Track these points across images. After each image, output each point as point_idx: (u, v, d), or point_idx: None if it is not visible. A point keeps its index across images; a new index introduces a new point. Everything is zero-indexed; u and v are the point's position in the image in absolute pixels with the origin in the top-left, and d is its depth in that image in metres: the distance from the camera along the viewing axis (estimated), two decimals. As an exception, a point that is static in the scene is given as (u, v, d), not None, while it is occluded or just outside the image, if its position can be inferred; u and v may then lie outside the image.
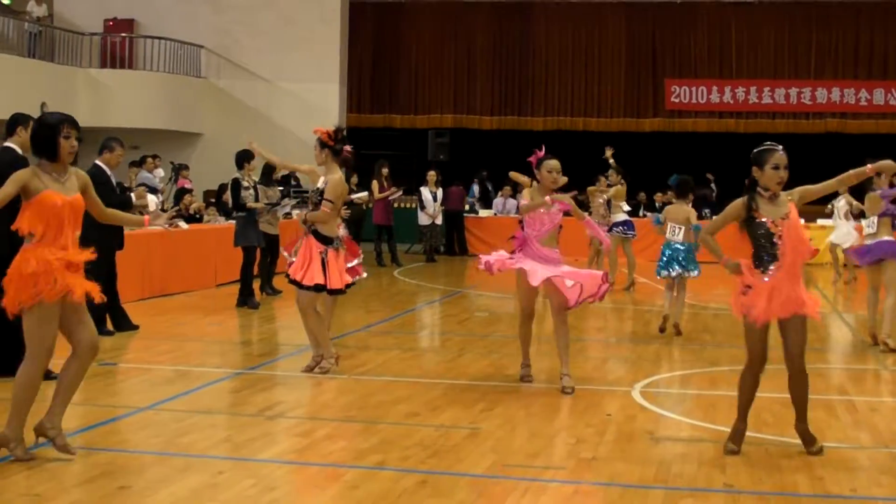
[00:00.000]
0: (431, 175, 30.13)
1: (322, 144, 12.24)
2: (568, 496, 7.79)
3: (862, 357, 14.54)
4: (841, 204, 24.09)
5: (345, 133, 12.63)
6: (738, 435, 9.19)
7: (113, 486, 7.80)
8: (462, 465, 8.68)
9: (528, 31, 37.57)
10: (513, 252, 11.56)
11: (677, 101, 36.94)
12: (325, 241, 12.16)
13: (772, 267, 8.89)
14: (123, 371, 12.78)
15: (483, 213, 32.77)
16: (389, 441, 9.37)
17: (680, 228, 15.57)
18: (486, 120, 37.55)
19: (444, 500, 7.69)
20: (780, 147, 9.32)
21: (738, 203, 9.21)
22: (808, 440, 9.13)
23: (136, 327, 15.38)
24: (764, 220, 9.04)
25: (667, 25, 37.02)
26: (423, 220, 29.83)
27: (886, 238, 14.31)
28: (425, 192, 29.65)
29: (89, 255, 8.45)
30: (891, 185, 14.44)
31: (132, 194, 16.88)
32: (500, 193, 32.95)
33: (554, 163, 11.74)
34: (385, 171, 27.50)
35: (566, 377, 11.57)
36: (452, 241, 31.53)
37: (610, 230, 21.13)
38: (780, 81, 36.51)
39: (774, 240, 8.95)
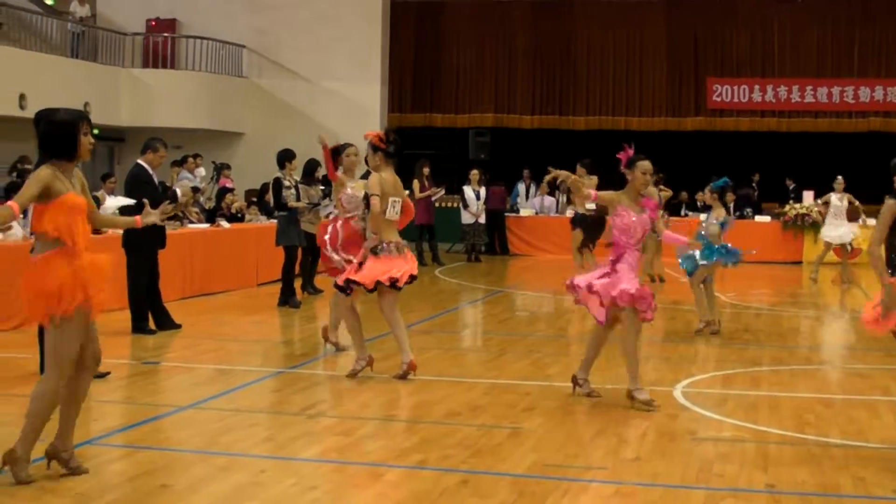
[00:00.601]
0: (475, 174, 30.11)
1: (374, 148, 12.07)
2: (608, 496, 7.78)
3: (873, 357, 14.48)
4: (835, 201, 24.06)
5: (396, 135, 12.36)
6: None
7: (155, 485, 7.83)
8: (503, 465, 8.68)
9: (569, 30, 37.48)
10: (612, 264, 11.02)
11: (719, 99, 36.79)
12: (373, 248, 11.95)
13: None
14: (165, 370, 12.82)
15: (524, 212, 32.67)
16: (430, 440, 9.38)
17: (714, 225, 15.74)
18: (526, 119, 37.49)
19: (484, 499, 7.69)
20: None
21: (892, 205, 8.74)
22: None
23: (178, 326, 15.43)
24: None
25: (708, 23, 36.87)
26: (467, 218, 29.82)
27: None
28: (468, 190, 29.64)
29: (108, 258, 8.12)
30: None
31: (178, 189, 16.93)
32: (538, 192, 32.87)
33: (647, 164, 11.01)
34: (426, 170, 27.48)
35: (638, 391, 10.87)
36: (494, 240, 31.50)
37: None
38: (822, 80, 36.30)
39: None
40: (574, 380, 11.27)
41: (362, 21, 34.28)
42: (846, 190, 24.05)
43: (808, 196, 28.91)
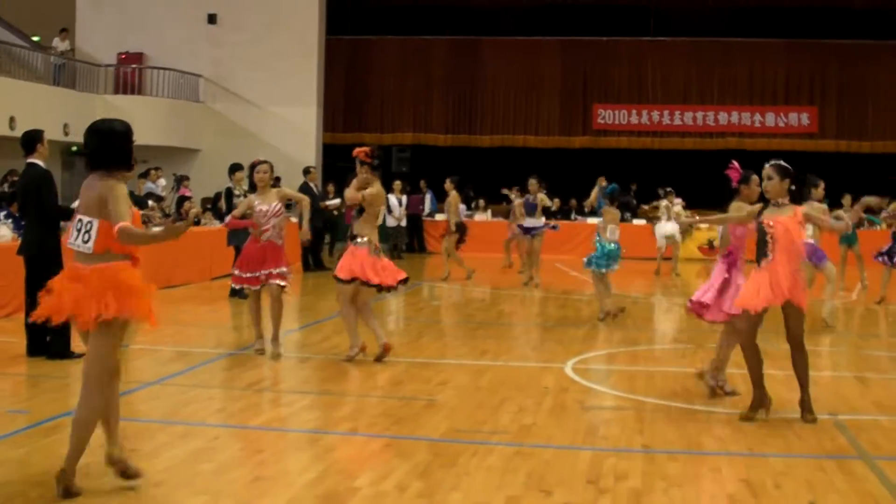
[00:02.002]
0: (397, 184, 30.31)
1: (361, 163, 11.94)
2: (511, 456, 7.78)
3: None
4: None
5: (379, 150, 12.27)
6: (758, 402, 9.24)
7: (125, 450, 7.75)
8: (421, 431, 8.66)
9: (478, 64, 37.60)
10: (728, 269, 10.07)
11: (603, 122, 37.02)
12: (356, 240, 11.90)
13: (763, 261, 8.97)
14: (133, 352, 12.68)
15: (439, 217, 32.70)
16: (359, 410, 9.37)
17: (615, 229, 15.56)
18: (441, 138, 37.50)
19: (406, 460, 7.67)
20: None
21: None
22: (806, 409, 9.22)
23: (144, 314, 15.27)
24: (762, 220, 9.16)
25: (595, 59, 37.11)
26: (390, 222, 29.88)
27: None
28: (392, 198, 29.59)
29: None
30: None
31: (150, 202, 16.79)
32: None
33: (757, 178, 10.06)
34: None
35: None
36: (413, 240, 31.68)
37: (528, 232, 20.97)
38: (688, 106, 36.70)
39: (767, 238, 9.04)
40: (712, 389, 10.20)
41: (302, 55, 34.26)
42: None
43: (677, 202, 29.18)
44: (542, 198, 20.83)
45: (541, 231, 20.93)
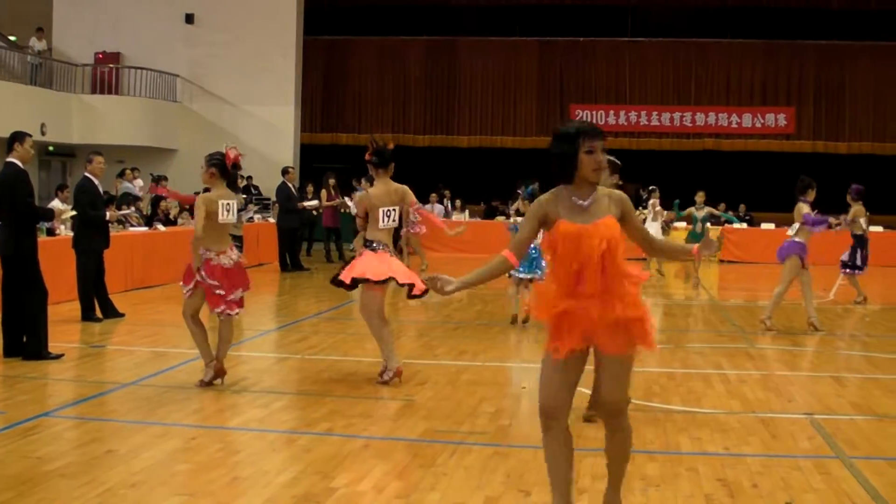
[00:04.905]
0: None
1: (367, 164, 11.30)
2: (489, 456, 7.79)
3: (734, 338, 14.64)
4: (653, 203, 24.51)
5: (378, 144, 10.98)
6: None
7: (101, 450, 7.74)
8: (399, 431, 8.66)
9: (455, 64, 37.68)
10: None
11: (580, 122, 37.11)
12: (366, 244, 10.82)
13: None
14: (110, 352, 12.68)
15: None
16: (337, 411, 9.35)
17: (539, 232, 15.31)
18: (419, 138, 37.51)
19: (383, 460, 7.68)
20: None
21: None
22: None
23: (121, 315, 15.27)
24: None
25: (572, 59, 37.22)
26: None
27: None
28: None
29: None
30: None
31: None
32: (429, 200, 32.86)
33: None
34: (332, 181, 27.35)
35: None
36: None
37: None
38: (665, 107, 36.83)
39: None
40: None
41: (279, 55, 34.24)
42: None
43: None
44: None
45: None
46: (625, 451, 6.20)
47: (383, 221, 10.63)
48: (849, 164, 34.25)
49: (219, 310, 10.45)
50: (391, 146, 11.03)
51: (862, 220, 18.31)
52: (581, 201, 5.74)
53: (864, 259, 18.59)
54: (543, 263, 15.42)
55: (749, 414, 9.49)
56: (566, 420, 5.91)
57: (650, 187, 25.17)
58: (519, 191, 16.55)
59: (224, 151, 10.72)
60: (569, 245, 5.68)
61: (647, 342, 5.89)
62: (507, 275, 11.05)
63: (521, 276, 14.96)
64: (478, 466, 7.53)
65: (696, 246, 6.07)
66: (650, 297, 20.19)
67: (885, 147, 35.84)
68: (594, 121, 36.72)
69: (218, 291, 10.37)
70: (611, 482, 6.27)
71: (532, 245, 15.18)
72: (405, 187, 10.83)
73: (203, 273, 10.31)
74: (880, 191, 32.77)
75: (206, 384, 10.28)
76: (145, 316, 15.88)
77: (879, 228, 25.20)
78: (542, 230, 5.91)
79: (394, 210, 10.64)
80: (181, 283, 10.62)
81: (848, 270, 18.76)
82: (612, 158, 8.97)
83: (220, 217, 10.31)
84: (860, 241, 18.53)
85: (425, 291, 10.67)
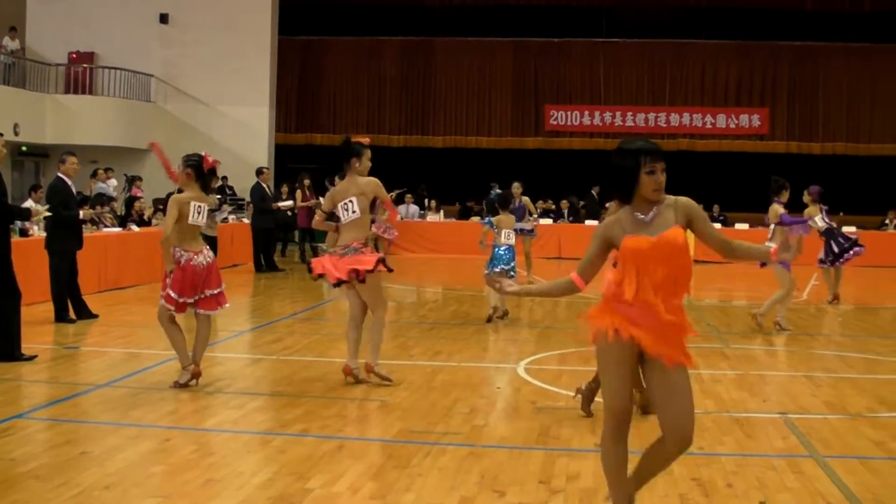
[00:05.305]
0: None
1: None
2: (463, 457, 7.79)
3: (708, 338, 14.69)
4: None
5: (345, 139, 10.99)
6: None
7: (75, 452, 7.71)
8: (374, 432, 8.67)
9: (430, 64, 37.71)
10: None
11: (555, 123, 37.17)
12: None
13: None
14: (84, 354, 12.63)
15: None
16: (311, 412, 9.34)
17: (510, 233, 15.80)
18: (394, 139, 37.49)
19: (358, 461, 7.67)
20: None
21: None
22: None
23: (95, 316, 15.20)
24: None
25: (547, 60, 37.27)
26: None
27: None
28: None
29: None
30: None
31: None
32: (404, 200, 32.85)
33: None
34: (307, 181, 27.33)
35: None
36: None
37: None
38: (640, 107, 36.94)
39: None
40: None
41: (254, 55, 34.22)
42: None
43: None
44: (527, 201, 21.38)
45: (531, 234, 21.34)
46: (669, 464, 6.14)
47: (343, 216, 10.56)
48: (822, 165, 34.42)
49: (170, 308, 10.43)
50: (365, 141, 11.00)
51: (817, 219, 18.31)
52: (643, 216, 5.69)
53: (843, 246, 18.52)
54: (513, 264, 15.70)
55: (723, 413, 9.52)
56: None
57: None
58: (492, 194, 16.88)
59: (202, 154, 10.71)
60: (636, 259, 5.62)
61: (687, 355, 5.74)
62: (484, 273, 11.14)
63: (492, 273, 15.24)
64: (452, 467, 7.53)
65: (774, 247, 5.93)
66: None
67: (858, 147, 36.06)
68: (569, 121, 36.95)
69: (168, 291, 10.34)
70: (642, 480, 6.17)
71: (506, 245, 15.58)
72: (375, 180, 10.83)
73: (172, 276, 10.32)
74: (853, 191, 33.05)
75: (182, 386, 10.26)
76: (119, 317, 15.82)
77: (853, 228, 25.26)
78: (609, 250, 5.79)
79: (351, 202, 10.51)
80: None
81: (825, 265, 18.77)
82: None
83: (190, 218, 10.30)
84: (829, 234, 18.55)
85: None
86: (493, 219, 15.96)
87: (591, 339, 5.77)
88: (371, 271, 10.41)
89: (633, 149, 5.73)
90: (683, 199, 5.79)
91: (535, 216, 22.62)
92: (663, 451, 5.88)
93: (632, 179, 5.68)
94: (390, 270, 10.73)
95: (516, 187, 21.09)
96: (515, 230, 17.02)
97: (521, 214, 20.88)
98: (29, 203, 18.42)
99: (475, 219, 31.52)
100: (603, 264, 5.87)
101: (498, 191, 16.70)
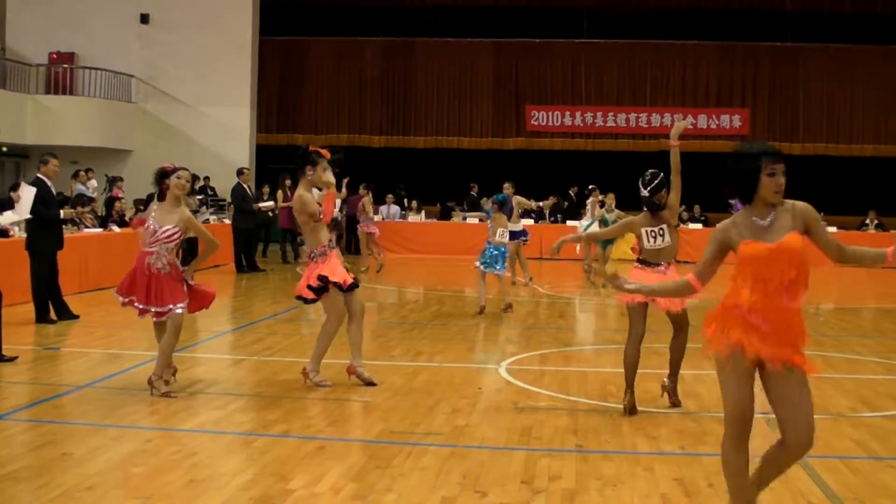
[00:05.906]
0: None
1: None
2: (445, 458, 7.80)
3: (693, 338, 14.70)
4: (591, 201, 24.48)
5: (303, 148, 11.41)
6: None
7: (57, 453, 7.70)
8: (355, 432, 8.68)
9: (411, 65, 37.65)
10: None
11: (536, 123, 37.18)
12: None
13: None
14: (65, 354, 12.61)
15: (375, 217, 32.63)
16: (293, 412, 9.34)
17: (505, 232, 16.31)
18: (375, 139, 37.46)
19: (339, 462, 7.68)
20: None
21: None
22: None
23: (76, 317, 15.18)
24: None
25: (528, 60, 37.26)
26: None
27: None
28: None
29: None
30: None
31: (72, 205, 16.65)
32: (385, 201, 32.83)
33: None
34: (288, 182, 27.31)
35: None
36: (350, 242, 31.45)
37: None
38: (621, 108, 36.95)
39: None
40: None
41: (234, 55, 34.14)
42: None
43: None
44: (519, 200, 21.35)
45: (522, 238, 21.35)
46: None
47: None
48: (803, 165, 34.46)
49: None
50: (326, 155, 11.53)
51: None
52: (761, 221, 5.68)
53: None
54: (505, 261, 16.07)
55: (705, 414, 9.56)
56: None
57: (590, 186, 25.22)
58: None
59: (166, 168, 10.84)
60: (754, 265, 5.64)
61: (807, 360, 5.95)
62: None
63: (485, 270, 16.57)
64: (434, 467, 7.54)
65: (890, 249, 5.81)
66: (603, 298, 20.27)
67: (838, 148, 36.17)
68: (550, 122, 36.97)
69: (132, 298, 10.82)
70: (762, 485, 6.26)
71: (501, 244, 15.90)
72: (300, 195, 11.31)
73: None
74: (834, 192, 33.16)
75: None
76: (100, 317, 15.79)
77: (833, 229, 25.37)
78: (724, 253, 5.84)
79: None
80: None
81: None
82: None
83: None
84: None
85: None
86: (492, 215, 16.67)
87: (712, 350, 5.84)
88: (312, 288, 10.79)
89: (753, 151, 5.70)
90: (801, 205, 5.77)
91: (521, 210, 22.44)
92: (784, 456, 6.00)
93: (753, 182, 5.65)
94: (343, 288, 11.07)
95: (507, 188, 21.09)
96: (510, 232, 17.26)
97: (510, 215, 20.93)
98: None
99: (456, 218, 31.59)
100: (719, 266, 5.90)
101: (498, 196, 17.02)
